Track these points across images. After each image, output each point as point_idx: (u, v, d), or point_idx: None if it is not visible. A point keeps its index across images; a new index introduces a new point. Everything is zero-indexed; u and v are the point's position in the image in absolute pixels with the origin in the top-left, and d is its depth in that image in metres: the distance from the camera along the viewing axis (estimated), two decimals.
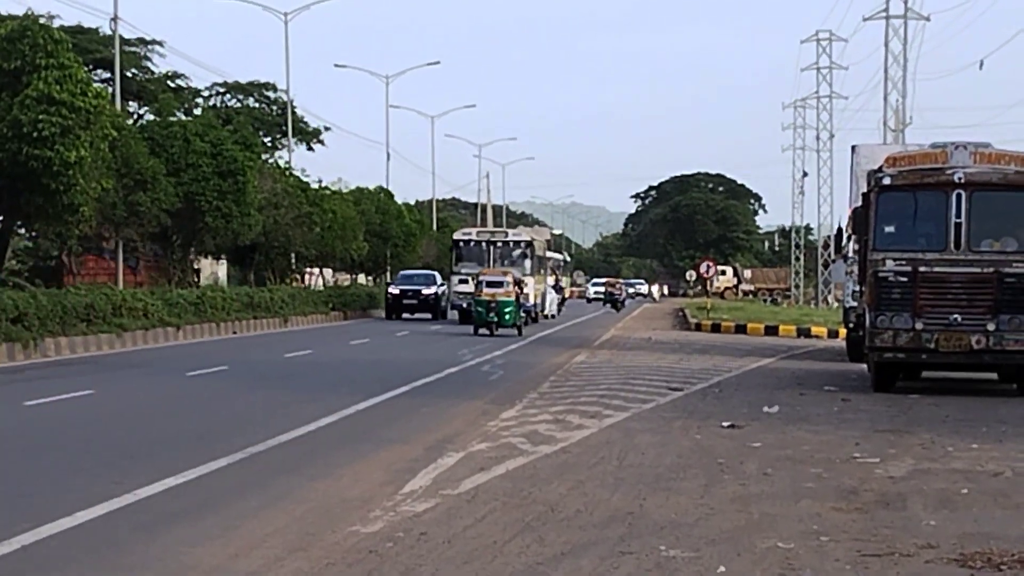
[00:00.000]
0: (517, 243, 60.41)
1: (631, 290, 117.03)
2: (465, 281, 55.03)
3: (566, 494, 12.57)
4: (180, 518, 11.30)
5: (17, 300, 32.43)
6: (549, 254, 75.55)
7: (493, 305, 45.74)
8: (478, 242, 60.27)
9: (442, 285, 63.13)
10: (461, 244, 60.75)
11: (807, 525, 11.11)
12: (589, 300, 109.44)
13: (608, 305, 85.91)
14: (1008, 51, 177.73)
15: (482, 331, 45.73)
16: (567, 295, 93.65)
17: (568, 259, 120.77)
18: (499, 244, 59.85)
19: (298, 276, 71.84)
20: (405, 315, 61.36)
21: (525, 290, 52.41)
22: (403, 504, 11.99)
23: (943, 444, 16.63)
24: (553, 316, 66.40)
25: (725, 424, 18.50)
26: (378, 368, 29.63)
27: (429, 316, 61.05)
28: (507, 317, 45.90)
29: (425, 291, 62.42)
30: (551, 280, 73.41)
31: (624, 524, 11.11)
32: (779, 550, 10.09)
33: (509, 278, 47.62)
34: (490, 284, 46.90)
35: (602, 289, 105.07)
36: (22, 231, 50.32)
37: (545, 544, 10.27)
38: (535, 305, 58.17)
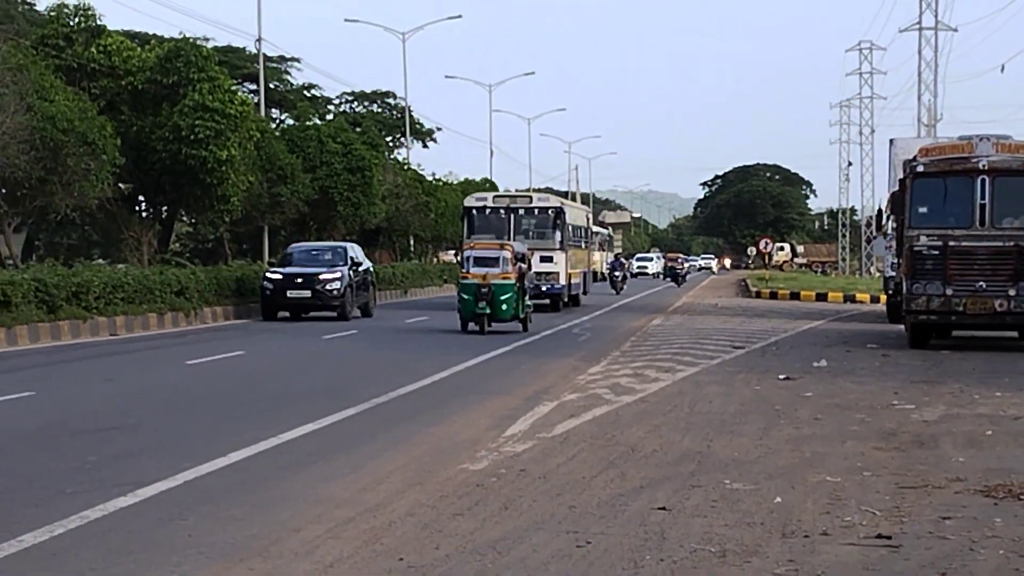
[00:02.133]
0: (543, 210, 40.93)
1: (692, 264, 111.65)
2: None
3: (644, 436, 12.53)
4: (316, 458, 11.36)
5: (180, 276, 32.97)
6: (595, 228, 57.62)
7: (484, 291, 28.37)
8: (495, 209, 40.32)
9: (360, 265, 36.77)
10: (474, 212, 40.34)
11: (852, 462, 11.01)
12: (633, 275, 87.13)
13: (669, 279, 76.04)
14: None
15: (472, 326, 28.93)
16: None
17: (611, 235, 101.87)
18: (521, 212, 40.51)
19: (436, 256, 72.11)
20: (301, 315, 34.75)
21: (552, 269, 39.97)
22: (505, 446, 11.99)
23: (970, 393, 16.43)
24: (618, 292, 57.20)
25: (781, 377, 18.39)
26: None
27: (334, 315, 34.40)
28: (504, 308, 28.54)
29: (325, 276, 34.33)
30: (607, 256, 66.13)
31: (694, 462, 11.06)
32: (828, 483, 10.00)
33: (507, 253, 29.61)
34: (480, 261, 29.55)
35: (647, 264, 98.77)
36: (184, 219, 51.06)
37: (626, 479, 10.25)
38: (565, 287, 40.92)
